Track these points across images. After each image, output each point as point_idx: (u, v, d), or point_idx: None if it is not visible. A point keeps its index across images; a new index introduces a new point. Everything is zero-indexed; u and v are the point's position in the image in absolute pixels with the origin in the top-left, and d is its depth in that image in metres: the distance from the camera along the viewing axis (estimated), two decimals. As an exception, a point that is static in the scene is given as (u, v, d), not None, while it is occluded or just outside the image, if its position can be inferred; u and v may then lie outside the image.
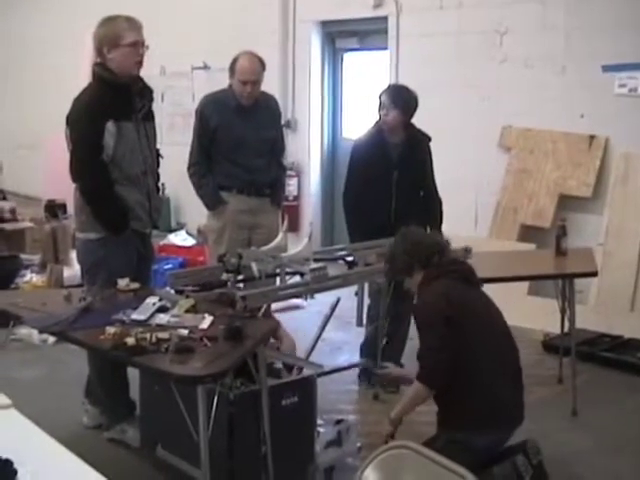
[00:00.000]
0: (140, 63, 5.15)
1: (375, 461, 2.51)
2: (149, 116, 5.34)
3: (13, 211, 10.23)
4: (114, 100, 5.07)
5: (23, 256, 9.26)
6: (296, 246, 5.20)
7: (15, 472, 2.42)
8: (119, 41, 5.04)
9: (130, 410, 5.37)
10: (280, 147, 6.65)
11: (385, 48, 9.75)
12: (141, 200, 5.25)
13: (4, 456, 2.47)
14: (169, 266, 8.77)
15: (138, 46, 5.10)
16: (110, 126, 5.00)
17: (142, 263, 5.37)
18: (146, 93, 5.30)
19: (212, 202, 6.30)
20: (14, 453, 2.49)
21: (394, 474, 2.46)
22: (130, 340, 3.77)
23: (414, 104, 6.34)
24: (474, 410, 3.98)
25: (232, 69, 6.23)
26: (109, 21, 5.15)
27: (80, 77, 13.10)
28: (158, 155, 5.48)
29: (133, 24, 5.13)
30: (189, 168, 6.40)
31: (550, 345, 7.10)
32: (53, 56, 14.34)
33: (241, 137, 6.25)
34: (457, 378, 3.99)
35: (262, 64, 6.25)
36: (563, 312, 6.15)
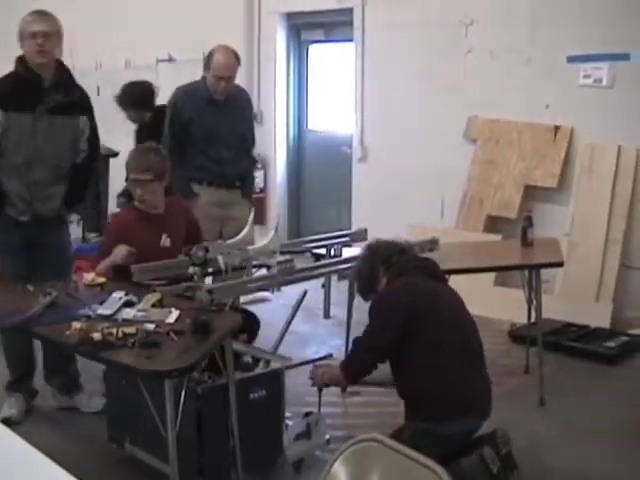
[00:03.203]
0: (41, 53, 5.24)
1: (344, 454, 2.50)
2: (62, 110, 5.34)
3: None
4: (15, 91, 5.26)
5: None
6: (263, 238, 5.19)
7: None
8: (24, 34, 5.26)
9: (30, 395, 5.65)
10: (251, 140, 6.66)
11: (351, 40, 9.73)
12: (18, 189, 5.33)
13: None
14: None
15: (37, 36, 5.21)
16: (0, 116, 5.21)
17: (36, 251, 5.42)
18: (62, 88, 5.35)
19: (183, 194, 6.28)
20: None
21: (363, 467, 2.45)
22: (96, 335, 3.75)
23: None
24: (440, 401, 4.00)
25: (207, 63, 6.25)
26: (24, 17, 5.36)
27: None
28: (94, 149, 5.56)
29: (38, 15, 5.30)
30: (161, 160, 6.38)
31: (517, 335, 7.12)
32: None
33: (214, 130, 6.28)
34: (423, 369, 4.01)
35: (237, 59, 6.30)
36: (530, 302, 6.16)
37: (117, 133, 11.97)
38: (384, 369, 4.25)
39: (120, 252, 4.97)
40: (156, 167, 5.26)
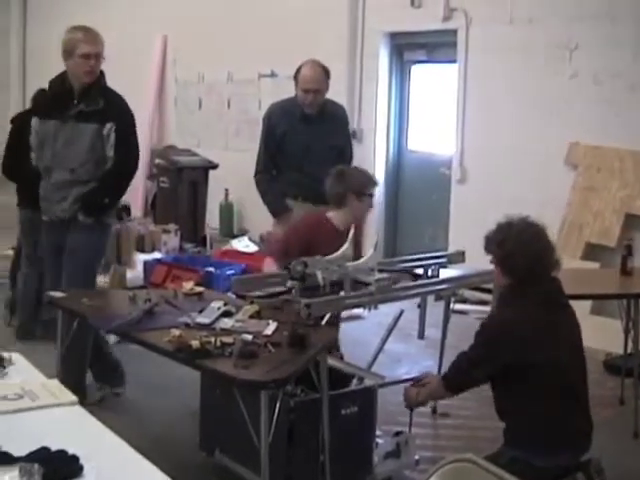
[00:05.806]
0: (90, 73, 5.56)
1: (437, 473, 2.49)
2: (86, 118, 5.61)
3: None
4: (51, 100, 5.82)
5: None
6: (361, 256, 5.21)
7: (81, 468, 2.46)
8: (74, 52, 5.52)
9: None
10: (348, 156, 6.66)
11: (454, 61, 9.71)
12: (42, 190, 5.79)
13: (71, 451, 2.51)
14: (231, 272, 8.80)
15: (90, 58, 5.52)
16: (34, 122, 5.77)
17: (60, 253, 5.77)
18: (87, 97, 5.61)
19: (278, 209, 6.33)
20: (80, 449, 2.53)
21: (457, 487, 2.45)
22: (195, 343, 3.80)
23: None
24: (542, 434, 3.92)
25: (296, 77, 6.30)
26: (69, 31, 5.65)
27: (150, 76, 13.27)
28: (120, 158, 5.66)
29: (89, 36, 5.58)
30: (255, 175, 6.45)
31: (612, 365, 7.01)
32: (126, 59, 14.46)
33: (307, 145, 6.30)
34: (523, 404, 3.96)
35: (326, 72, 6.30)
36: (627, 332, 6.07)
37: (217, 146, 12.15)
38: None
39: None
40: None
